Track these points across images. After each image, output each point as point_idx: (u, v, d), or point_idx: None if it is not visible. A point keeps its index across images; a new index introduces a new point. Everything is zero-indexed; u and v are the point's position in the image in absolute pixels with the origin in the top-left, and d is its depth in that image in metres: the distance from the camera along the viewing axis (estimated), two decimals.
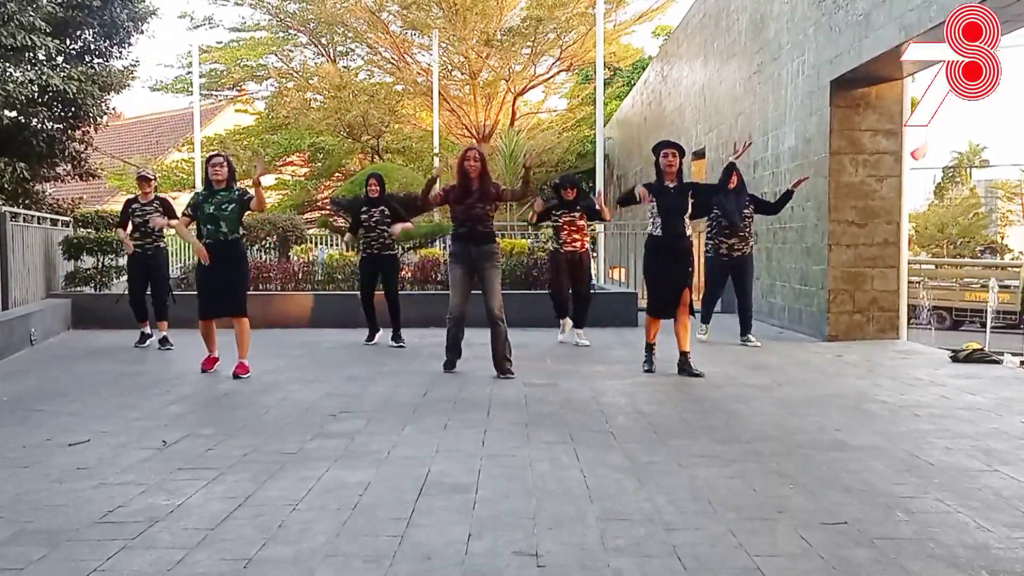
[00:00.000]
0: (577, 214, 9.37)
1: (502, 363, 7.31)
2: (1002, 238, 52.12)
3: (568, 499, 3.84)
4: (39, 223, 11.43)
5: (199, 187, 24.98)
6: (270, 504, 3.77)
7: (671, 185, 7.27)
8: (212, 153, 7.89)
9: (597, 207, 9.47)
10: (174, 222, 8.76)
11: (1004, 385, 6.97)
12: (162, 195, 9.61)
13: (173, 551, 3.21)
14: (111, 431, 5.23)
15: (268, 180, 31.78)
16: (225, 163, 7.48)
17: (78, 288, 11.50)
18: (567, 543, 3.29)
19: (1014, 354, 8.77)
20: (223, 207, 7.29)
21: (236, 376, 7.24)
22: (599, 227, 18.24)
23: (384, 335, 9.61)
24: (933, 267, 29.44)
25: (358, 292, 9.85)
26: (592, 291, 9.81)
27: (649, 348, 7.56)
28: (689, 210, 7.30)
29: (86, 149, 14.93)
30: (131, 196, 9.56)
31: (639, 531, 3.43)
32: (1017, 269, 26.70)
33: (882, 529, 3.48)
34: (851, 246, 9.84)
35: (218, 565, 3.08)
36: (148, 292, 9.35)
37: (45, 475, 4.26)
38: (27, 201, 13.38)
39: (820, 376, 7.43)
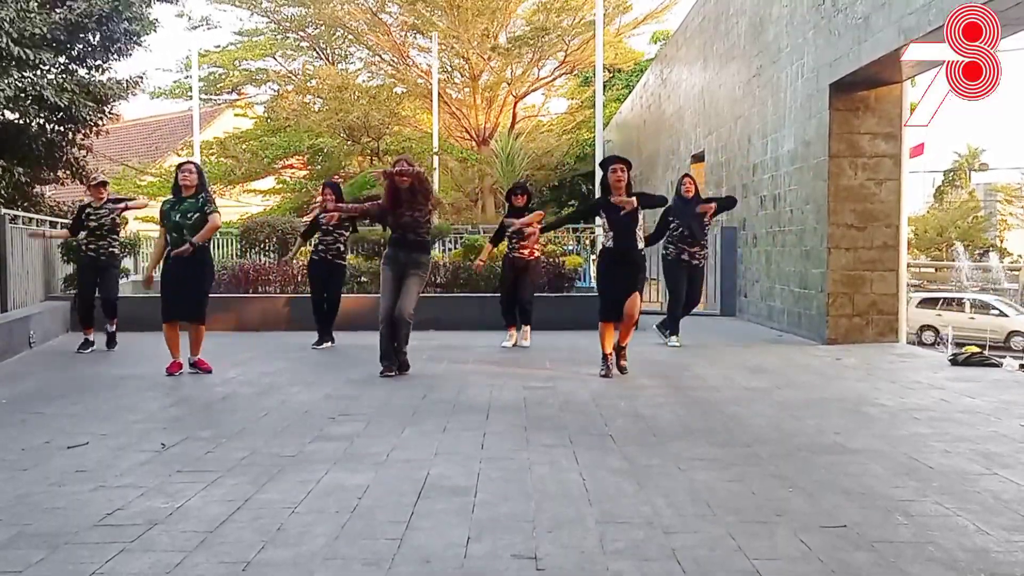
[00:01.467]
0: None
1: (397, 353, 7.53)
2: (1001, 241, 52.16)
3: (567, 502, 3.84)
4: (38, 226, 11.42)
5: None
6: (269, 507, 3.77)
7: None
8: (183, 160, 8.00)
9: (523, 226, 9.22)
10: (156, 236, 8.63)
11: (1003, 388, 6.97)
12: (114, 195, 9.63)
13: (172, 554, 3.20)
14: (110, 433, 5.22)
15: (267, 183, 31.80)
16: (195, 171, 7.60)
17: (77, 291, 11.48)
18: (566, 546, 3.29)
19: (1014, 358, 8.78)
20: (188, 215, 7.44)
21: (199, 368, 7.53)
22: (598, 231, 18.26)
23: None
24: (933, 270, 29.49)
25: (354, 295, 9.92)
26: (532, 302, 9.75)
27: (605, 358, 7.48)
28: (640, 221, 7.37)
29: (85, 155, 14.91)
30: (84, 202, 9.58)
31: (638, 534, 3.43)
32: (1016, 272, 26.71)
33: (881, 532, 3.48)
34: (850, 249, 9.85)
35: (217, 568, 3.08)
36: (97, 295, 9.33)
37: (44, 478, 4.26)
38: (26, 204, 13.37)
39: (819, 379, 7.43)
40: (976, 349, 8.58)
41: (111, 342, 9.26)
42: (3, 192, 12.42)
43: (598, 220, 9.64)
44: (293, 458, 4.62)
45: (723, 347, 9.58)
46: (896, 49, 8.15)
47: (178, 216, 7.43)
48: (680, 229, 9.57)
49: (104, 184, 9.40)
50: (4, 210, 10.39)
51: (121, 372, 7.80)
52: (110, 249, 9.28)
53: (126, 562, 3.14)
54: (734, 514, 3.67)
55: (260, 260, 14.49)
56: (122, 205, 9.38)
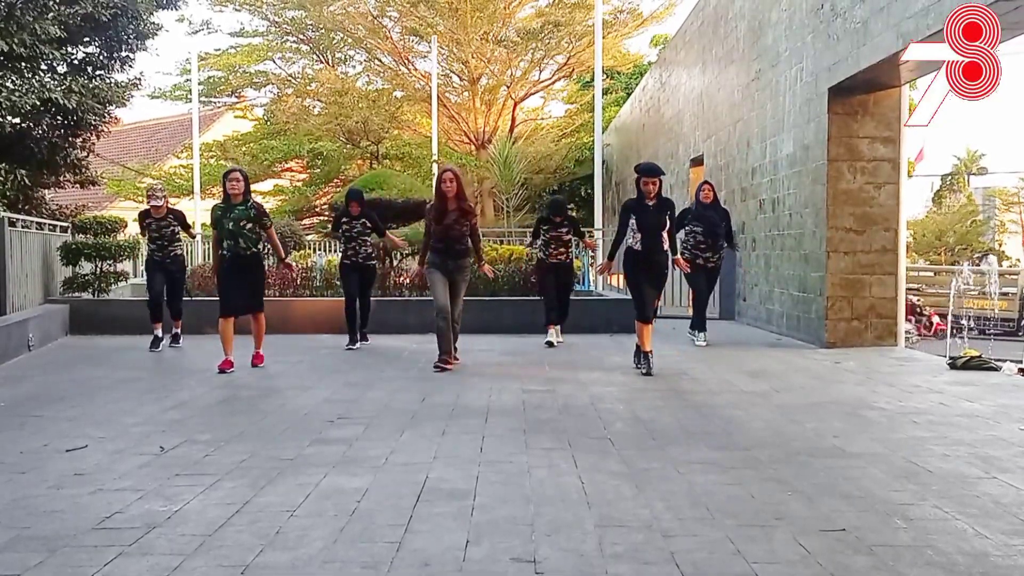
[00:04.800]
0: (564, 229, 10.05)
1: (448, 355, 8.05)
2: (999, 245, 52.19)
3: (566, 505, 3.83)
4: (38, 229, 11.43)
5: (197, 192, 25.00)
6: (268, 510, 3.76)
7: (650, 203, 7.73)
8: (229, 168, 8.58)
9: (585, 245, 10.91)
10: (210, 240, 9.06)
11: (1002, 392, 6.97)
12: (174, 208, 9.96)
13: (170, 557, 3.20)
14: (109, 437, 5.22)
15: (266, 186, 31.84)
16: (242, 178, 8.00)
17: (76, 294, 11.49)
18: (565, 549, 3.29)
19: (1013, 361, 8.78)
20: (241, 224, 7.87)
21: (254, 365, 8.00)
22: (597, 234, 18.31)
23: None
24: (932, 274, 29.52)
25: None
26: (570, 295, 10.51)
27: (646, 355, 7.78)
28: (667, 225, 7.75)
29: (87, 157, 14.91)
30: (144, 209, 9.86)
31: (637, 537, 3.43)
32: (1015, 276, 26.75)
33: (880, 536, 3.48)
34: (849, 253, 9.85)
35: (215, 571, 3.08)
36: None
37: (43, 481, 4.25)
38: (27, 207, 13.38)
39: (818, 383, 7.43)
40: (975, 353, 8.58)
41: (175, 339, 9.75)
42: (7, 195, 12.44)
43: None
44: (292, 461, 4.62)
45: (722, 351, 9.57)
46: (895, 53, 8.16)
47: (231, 224, 7.84)
48: (695, 235, 9.98)
49: (156, 198, 9.65)
50: (3, 213, 10.39)
51: (120, 375, 7.79)
52: (174, 253, 9.69)
53: (124, 565, 3.13)
54: (733, 518, 3.67)
55: None
56: (181, 227, 9.76)
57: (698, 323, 10.07)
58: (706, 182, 10.47)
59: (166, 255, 9.61)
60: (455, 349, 8.15)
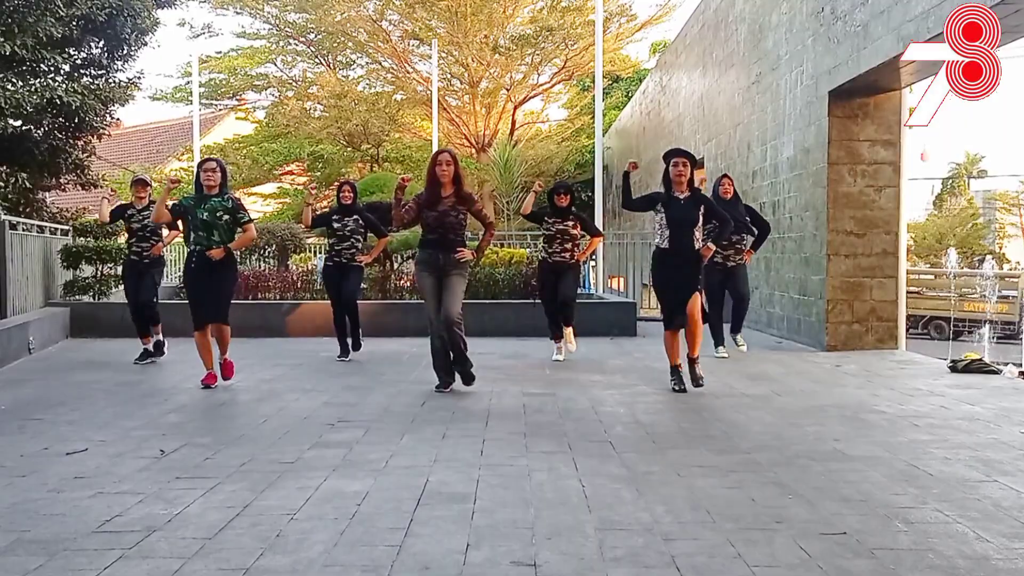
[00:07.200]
0: (571, 223, 8.92)
1: (460, 364, 6.99)
2: (1000, 248, 52.22)
3: (566, 509, 3.83)
4: (38, 232, 11.43)
5: None
6: (268, 513, 3.76)
7: (681, 196, 6.93)
8: (205, 158, 7.60)
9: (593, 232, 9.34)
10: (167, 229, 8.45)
11: (1003, 395, 6.97)
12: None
13: (171, 560, 3.20)
14: (109, 440, 5.22)
15: (268, 188, 31.87)
16: (218, 168, 7.23)
17: (76, 297, 11.49)
18: (565, 553, 3.29)
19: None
20: (217, 215, 7.12)
21: (226, 377, 7.32)
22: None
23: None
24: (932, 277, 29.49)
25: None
26: (575, 300, 9.21)
27: (675, 370, 7.06)
28: (700, 222, 6.93)
29: (88, 158, 14.93)
30: (127, 202, 9.36)
31: (637, 541, 3.43)
32: (1015, 279, 26.74)
33: (881, 539, 3.48)
34: (850, 256, 9.85)
35: (215, 575, 3.08)
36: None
37: (43, 484, 4.25)
38: (28, 209, 13.39)
39: (818, 386, 7.43)
40: (976, 356, 8.58)
41: (158, 349, 8.96)
42: (8, 197, 12.46)
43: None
44: (292, 464, 4.62)
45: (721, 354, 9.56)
46: (895, 56, 8.17)
47: (206, 215, 7.06)
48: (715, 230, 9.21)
49: (145, 183, 9.13)
50: (4, 216, 10.39)
51: (120, 379, 7.79)
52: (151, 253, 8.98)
53: (124, 569, 3.13)
54: (733, 521, 3.67)
55: (259, 266, 14.50)
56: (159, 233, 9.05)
57: (713, 334, 9.23)
58: (725, 175, 9.70)
59: (143, 252, 8.83)
60: (468, 363, 6.95)
